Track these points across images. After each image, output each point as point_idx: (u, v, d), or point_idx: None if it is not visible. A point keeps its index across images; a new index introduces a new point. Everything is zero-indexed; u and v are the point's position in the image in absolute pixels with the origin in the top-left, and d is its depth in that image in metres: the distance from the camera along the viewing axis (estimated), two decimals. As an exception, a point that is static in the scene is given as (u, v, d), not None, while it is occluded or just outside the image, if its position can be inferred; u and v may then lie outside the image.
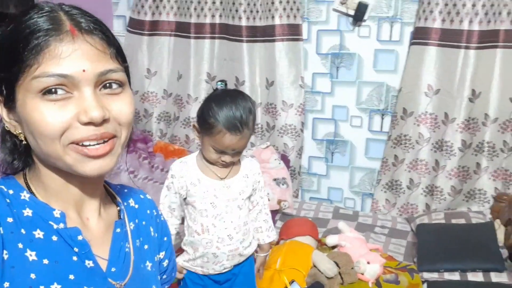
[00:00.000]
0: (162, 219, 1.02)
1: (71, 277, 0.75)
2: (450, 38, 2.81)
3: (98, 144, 0.73)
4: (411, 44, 2.91)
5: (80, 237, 0.78)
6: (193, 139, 3.43)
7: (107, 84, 0.74)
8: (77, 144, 0.71)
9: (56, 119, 0.69)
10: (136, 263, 0.88)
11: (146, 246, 0.93)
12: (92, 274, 0.78)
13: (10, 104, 0.73)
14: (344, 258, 2.26)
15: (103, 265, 0.81)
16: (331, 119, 3.25)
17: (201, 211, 1.64)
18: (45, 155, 0.74)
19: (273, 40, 3.11)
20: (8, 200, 0.74)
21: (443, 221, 2.77)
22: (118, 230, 0.87)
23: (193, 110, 3.31)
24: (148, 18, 3.34)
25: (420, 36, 2.85)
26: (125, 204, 0.93)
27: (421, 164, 3.05)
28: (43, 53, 0.68)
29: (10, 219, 0.72)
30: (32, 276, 0.71)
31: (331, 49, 3.12)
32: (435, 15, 2.80)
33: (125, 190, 0.96)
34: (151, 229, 0.96)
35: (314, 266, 2.22)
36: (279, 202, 2.96)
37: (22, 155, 0.79)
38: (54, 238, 0.75)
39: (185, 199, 1.68)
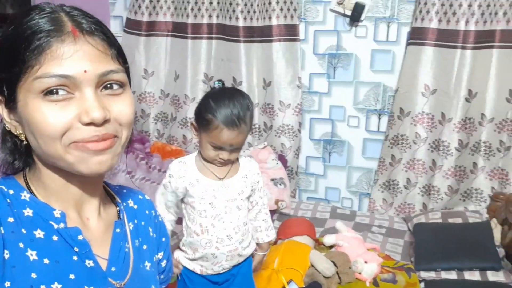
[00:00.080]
0: (160, 219, 1.03)
1: (72, 276, 0.75)
2: (447, 39, 2.82)
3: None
4: (408, 44, 2.92)
5: (80, 237, 0.78)
6: (191, 139, 3.43)
7: (108, 85, 0.74)
8: (78, 143, 0.72)
9: (58, 119, 0.70)
10: (136, 263, 0.88)
11: (145, 246, 0.93)
12: (92, 273, 0.79)
13: (11, 104, 0.73)
14: (342, 257, 2.27)
15: (103, 264, 0.82)
16: (328, 119, 3.25)
17: (200, 211, 1.64)
18: (45, 155, 0.74)
19: (270, 41, 3.12)
20: (8, 200, 0.74)
21: (440, 221, 2.78)
22: (118, 230, 0.87)
23: (190, 111, 3.32)
24: (145, 18, 3.34)
25: (416, 36, 2.86)
26: (124, 204, 0.93)
27: (418, 164, 3.06)
28: (44, 53, 0.68)
29: (11, 219, 0.72)
30: (33, 275, 0.71)
31: (328, 49, 3.13)
32: (431, 15, 2.81)
33: (124, 191, 0.97)
34: (150, 230, 0.97)
35: (312, 265, 2.23)
36: (276, 202, 2.96)
37: (23, 155, 0.80)
38: (55, 238, 0.76)
39: (183, 199, 1.68)
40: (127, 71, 0.78)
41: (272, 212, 2.89)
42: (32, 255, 0.72)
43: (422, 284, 2.29)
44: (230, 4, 3.12)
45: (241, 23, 3.13)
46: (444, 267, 2.42)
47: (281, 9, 3.06)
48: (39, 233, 0.74)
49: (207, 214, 1.64)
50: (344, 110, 3.21)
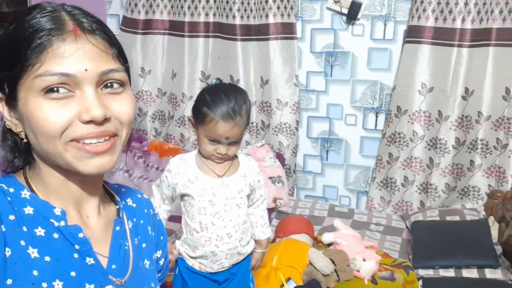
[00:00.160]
0: (158, 218, 1.04)
1: (73, 274, 0.76)
2: (443, 37, 2.82)
3: (98, 142, 0.74)
4: (405, 42, 2.92)
5: (81, 235, 0.78)
6: (188, 137, 3.44)
7: (109, 84, 0.75)
8: (78, 141, 0.72)
9: (58, 117, 0.70)
10: (135, 261, 0.89)
11: (144, 245, 0.94)
12: (93, 271, 0.79)
13: (12, 102, 0.73)
14: (340, 255, 2.27)
15: (104, 262, 0.82)
16: (325, 117, 3.26)
17: (199, 209, 1.64)
18: (45, 153, 0.74)
19: (267, 39, 3.11)
20: (9, 198, 0.74)
21: (437, 218, 2.79)
22: (118, 228, 0.88)
23: (187, 109, 3.32)
24: (141, 16, 3.33)
25: (413, 34, 2.87)
26: (123, 203, 0.94)
27: (415, 162, 3.07)
28: (46, 52, 0.69)
29: (12, 217, 0.73)
30: (35, 273, 0.72)
31: (325, 47, 3.13)
32: (428, 13, 2.81)
33: (123, 190, 0.97)
34: (149, 228, 0.97)
35: (310, 263, 2.23)
36: (274, 200, 2.97)
37: (23, 153, 0.80)
38: (55, 235, 0.76)
39: (182, 196, 1.68)
40: (127, 70, 0.79)
41: (270, 210, 2.89)
42: (33, 252, 0.72)
43: (420, 282, 2.30)
44: (227, 2, 3.12)
45: (238, 21, 3.13)
46: (442, 265, 2.43)
47: (278, 8, 3.06)
48: (40, 231, 0.75)
49: (207, 212, 1.64)
50: (341, 108, 3.21)
